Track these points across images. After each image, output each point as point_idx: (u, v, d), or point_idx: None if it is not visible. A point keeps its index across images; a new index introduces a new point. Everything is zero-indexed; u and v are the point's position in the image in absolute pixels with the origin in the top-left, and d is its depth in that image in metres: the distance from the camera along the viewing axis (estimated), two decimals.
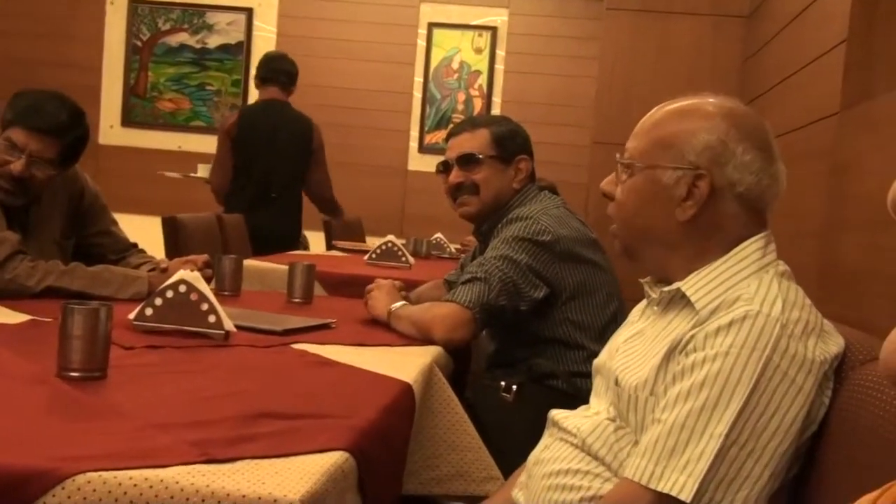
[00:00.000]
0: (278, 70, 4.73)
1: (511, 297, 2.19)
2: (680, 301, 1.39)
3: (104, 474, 1.00)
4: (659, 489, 1.23)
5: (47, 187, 2.39)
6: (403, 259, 3.86)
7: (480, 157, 2.42)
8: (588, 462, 1.38)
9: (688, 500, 1.21)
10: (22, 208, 2.38)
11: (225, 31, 6.95)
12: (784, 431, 1.23)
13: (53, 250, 2.43)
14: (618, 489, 1.30)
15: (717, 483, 1.22)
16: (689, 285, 1.36)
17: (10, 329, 1.84)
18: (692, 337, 1.29)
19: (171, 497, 0.99)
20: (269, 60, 4.86)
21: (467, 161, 2.43)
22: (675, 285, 1.38)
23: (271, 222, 4.55)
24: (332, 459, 1.14)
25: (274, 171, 4.63)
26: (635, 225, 1.45)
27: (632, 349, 1.43)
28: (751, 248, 1.38)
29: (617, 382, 1.39)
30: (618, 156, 1.48)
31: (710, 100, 1.43)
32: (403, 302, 2.27)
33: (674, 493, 1.22)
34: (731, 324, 1.26)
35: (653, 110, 1.47)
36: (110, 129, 6.94)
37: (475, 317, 2.13)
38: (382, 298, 2.29)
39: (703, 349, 1.27)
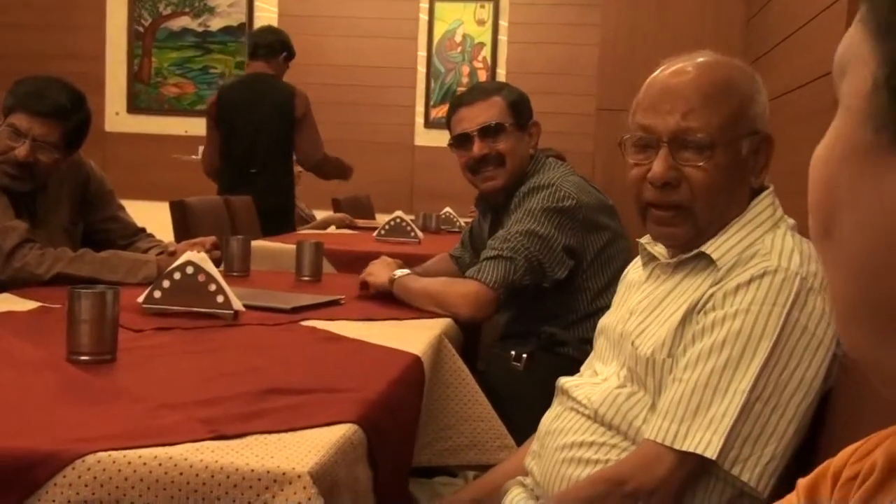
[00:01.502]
0: (257, 44, 4.63)
1: (535, 276, 2.17)
2: (692, 260, 1.38)
3: (113, 454, 1.01)
4: (684, 448, 1.23)
5: (53, 172, 2.40)
6: (412, 234, 3.86)
7: (506, 125, 2.33)
8: (602, 433, 1.38)
9: (713, 457, 1.21)
10: (29, 196, 2.39)
11: (226, 12, 6.92)
12: (807, 386, 1.23)
13: (62, 237, 2.45)
14: (639, 451, 1.29)
15: (743, 439, 1.22)
16: (711, 247, 1.35)
17: (20, 316, 1.86)
18: (711, 296, 1.29)
19: (181, 473, 0.99)
20: (255, 34, 4.77)
21: (491, 131, 2.33)
22: (696, 250, 1.37)
23: (256, 198, 4.40)
24: (341, 432, 1.15)
25: (255, 146, 4.51)
26: (720, 202, 1.36)
27: (644, 312, 1.42)
28: (763, 204, 1.38)
29: (633, 346, 1.38)
30: (668, 134, 1.35)
31: (720, 56, 1.42)
32: (407, 271, 2.25)
33: (699, 452, 1.22)
34: (750, 280, 1.26)
35: (671, 71, 1.38)
36: (116, 117, 6.94)
37: (499, 297, 2.12)
38: (382, 269, 2.28)
39: (722, 307, 1.27)
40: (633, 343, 1.39)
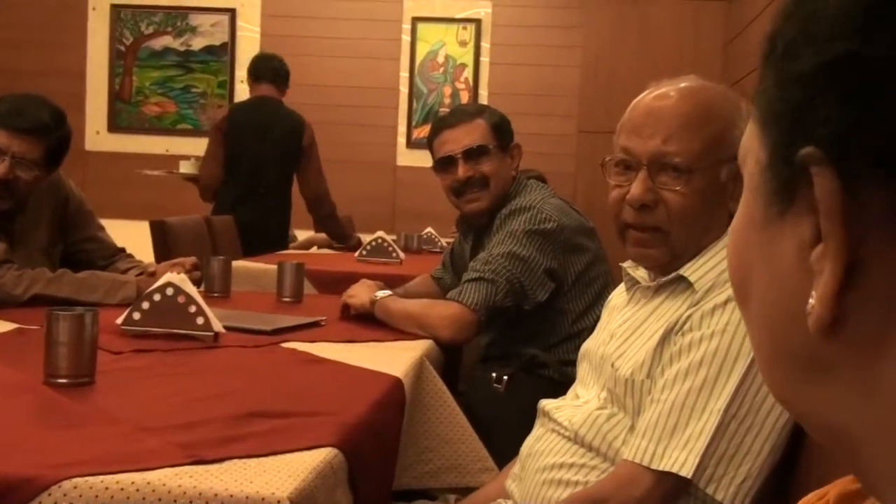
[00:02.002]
0: (271, 68, 4.73)
1: (516, 298, 2.17)
2: (671, 283, 1.40)
3: (90, 479, 1.00)
4: (660, 468, 1.24)
5: (33, 191, 2.38)
6: (394, 255, 3.85)
7: (490, 147, 2.34)
8: (582, 455, 1.38)
9: (689, 476, 1.22)
10: (7, 217, 2.37)
11: (209, 32, 6.92)
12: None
13: (41, 258, 2.42)
14: (617, 471, 1.30)
15: (718, 458, 1.23)
16: (689, 270, 1.37)
17: None
18: (688, 317, 1.31)
19: (159, 499, 0.99)
20: (262, 59, 4.88)
21: (475, 153, 2.34)
22: (674, 273, 1.38)
23: (258, 220, 4.51)
24: (321, 456, 1.14)
25: (262, 167, 4.60)
26: (697, 227, 1.38)
27: (625, 334, 1.43)
28: None
29: (613, 368, 1.39)
30: (643, 158, 1.37)
31: (705, 81, 1.43)
32: (389, 292, 2.25)
33: (674, 471, 1.23)
34: (726, 302, 1.28)
35: (655, 95, 1.40)
36: (97, 135, 6.91)
37: (480, 319, 2.12)
38: (363, 291, 2.28)
39: (699, 328, 1.28)
40: (612, 365, 1.40)
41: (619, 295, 1.57)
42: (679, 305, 1.36)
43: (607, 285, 2.31)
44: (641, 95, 1.43)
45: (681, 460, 1.23)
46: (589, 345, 1.55)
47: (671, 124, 1.36)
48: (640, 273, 1.48)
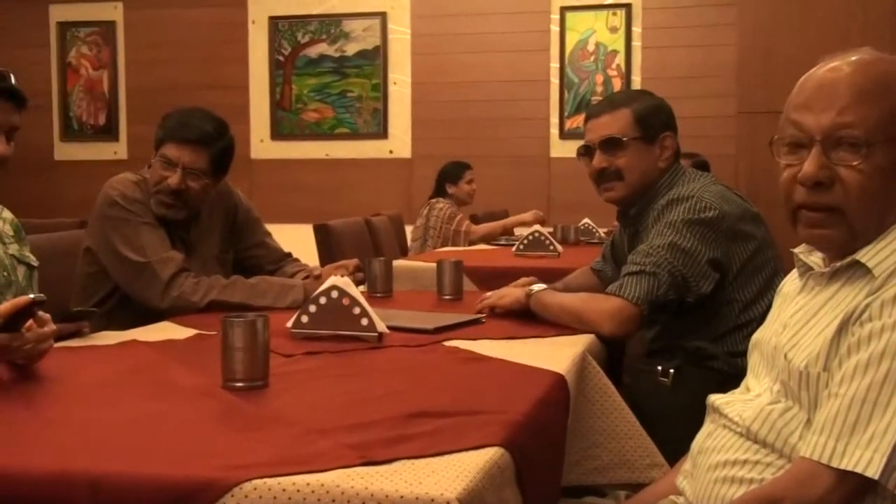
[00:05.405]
0: None
1: (679, 291, 2.12)
2: (847, 270, 1.32)
3: (269, 481, 1.04)
4: (842, 467, 1.18)
5: (204, 200, 2.51)
6: (551, 248, 3.83)
7: (624, 140, 2.31)
8: (756, 451, 1.33)
9: (875, 477, 1.16)
10: (183, 227, 2.51)
11: (361, 37, 7.09)
12: None
13: (214, 265, 2.56)
14: (795, 469, 1.25)
15: None
16: (867, 255, 1.29)
17: (179, 344, 1.95)
18: (867, 306, 1.23)
19: (333, 500, 1.02)
20: None
21: (610, 145, 2.32)
22: (850, 258, 1.31)
23: None
24: (488, 456, 1.15)
25: None
26: (877, 206, 1.30)
27: (798, 324, 1.37)
28: None
29: (786, 359, 1.34)
30: (818, 131, 1.29)
31: (881, 53, 1.34)
32: (544, 286, 2.24)
33: (859, 470, 1.17)
34: None
35: (827, 69, 1.33)
36: (260, 144, 7.21)
37: (643, 313, 2.09)
38: (513, 290, 2.29)
39: (879, 318, 1.21)
40: (785, 356, 1.34)
41: (791, 282, 1.50)
42: (857, 293, 1.29)
43: (777, 272, 2.21)
44: (812, 70, 1.35)
45: (865, 459, 1.17)
46: (761, 334, 1.49)
47: (846, 96, 1.28)
48: (814, 259, 1.41)
